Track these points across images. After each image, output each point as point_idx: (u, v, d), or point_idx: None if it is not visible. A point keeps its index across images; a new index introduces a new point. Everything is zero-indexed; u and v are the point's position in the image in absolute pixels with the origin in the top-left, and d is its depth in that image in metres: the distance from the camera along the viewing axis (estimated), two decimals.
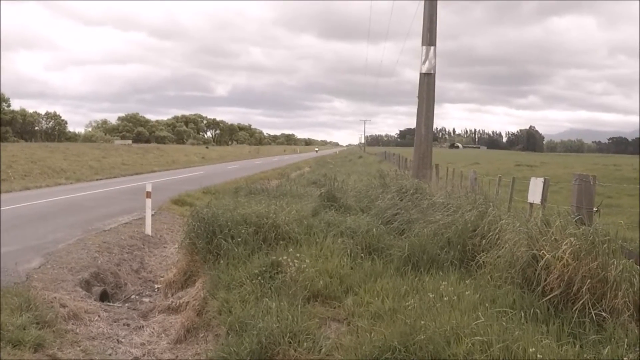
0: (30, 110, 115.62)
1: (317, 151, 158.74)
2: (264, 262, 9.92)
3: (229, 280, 9.80)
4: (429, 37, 21.74)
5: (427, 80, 21.81)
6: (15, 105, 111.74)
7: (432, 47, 21.69)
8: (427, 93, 21.81)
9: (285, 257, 9.71)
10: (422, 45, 21.85)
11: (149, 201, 19.07)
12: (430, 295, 7.81)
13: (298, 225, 12.33)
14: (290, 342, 7.21)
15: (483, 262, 9.15)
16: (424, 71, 21.77)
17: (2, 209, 22.48)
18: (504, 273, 8.38)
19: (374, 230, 11.39)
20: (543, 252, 7.73)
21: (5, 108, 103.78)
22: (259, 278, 9.32)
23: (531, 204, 11.76)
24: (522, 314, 7.08)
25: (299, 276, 9.15)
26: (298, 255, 9.92)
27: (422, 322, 6.77)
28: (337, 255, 10.45)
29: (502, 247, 8.93)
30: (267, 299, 8.44)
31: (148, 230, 18.85)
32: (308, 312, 8.13)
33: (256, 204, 13.79)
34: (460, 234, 10.25)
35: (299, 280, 9.02)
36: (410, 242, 10.40)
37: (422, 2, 22.24)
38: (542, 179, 11.58)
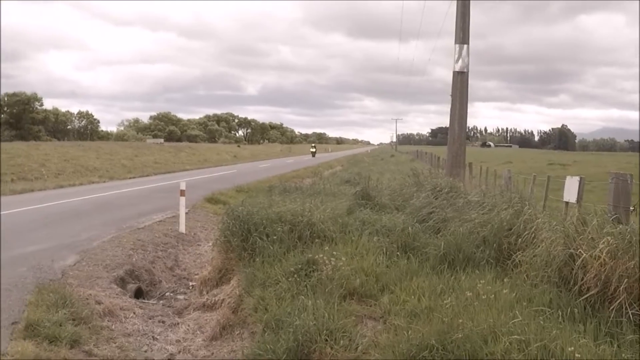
0: (63, 110, 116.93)
1: (313, 151, 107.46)
2: (299, 260, 9.94)
3: (264, 278, 9.84)
4: (462, 35, 21.71)
5: (460, 79, 21.78)
6: (48, 104, 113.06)
7: (465, 46, 21.65)
8: (460, 91, 21.78)
9: (321, 255, 9.72)
10: (455, 43, 21.83)
11: (182, 199, 19.21)
12: (468, 294, 7.79)
13: (333, 223, 12.32)
14: (326, 340, 7.20)
15: (519, 261, 9.11)
16: (457, 69, 21.75)
17: (37, 206, 22.84)
18: (540, 272, 8.33)
19: (410, 228, 11.37)
20: (580, 251, 7.68)
21: (38, 107, 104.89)
22: (295, 276, 9.35)
23: (567, 203, 11.70)
24: (559, 313, 7.03)
25: (335, 274, 9.14)
26: (335, 253, 9.94)
27: (460, 321, 6.77)
28: (372, 253, 10.45)
29: (538, 246, 8.89)
30: (303, 297, 8.46)
31: (182, 228, 18.96)
32: (344, 310, 8.12)
33: (291, 202, 13.80)
34: (496, 232, 10.19)
35: (335, 278, 9.01)
36: (446, 240, 10.36)
37: (455, 0, 22.21)
38: (577, 178, 11.52)
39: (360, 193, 16.14)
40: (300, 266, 9.63)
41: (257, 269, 10.37)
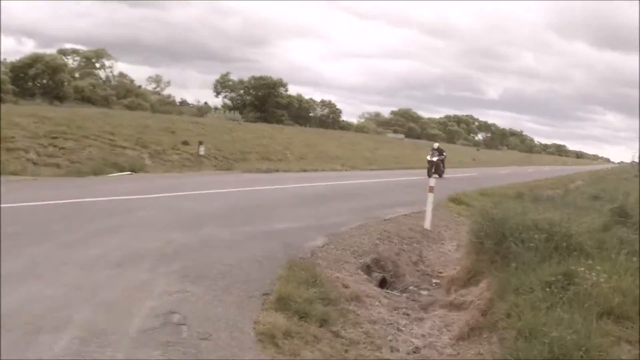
0: (306, 97, 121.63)
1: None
2: (555, 270, 9.65)
3: (517, 285, 9.64)
4: None
5: None
6: (292, 91, 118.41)
7: None
8: None
9: (582, 269, 9.44)
10: None
11: (431, 195, 19.19)
12: None
13: (589, 237, 11.91)
14: (582, 357, 7.04)
15: None
16: None
17: (283, 187, 24.14)
18: None
19: None
20: None
21: (283, 92, 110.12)
22: (552, 287, 9.14)
23: None
24: None
25: (593, 290, 8.88)
26: (598, 268, 9.62)
27: None
28: (630, 274, 10.00)
29: None
30: (559, 309, 8.28)
31: (427, 224, 19.00)
32: (600, 328, 7.88)
33: (544, 211, 13.49)
34: None
35: (593, 295, 8.75)
36: None
37: None
38: None
39: (617, 210, 15.50)
40: (557, 277, 9.39)
41: (511, 274, 10.19)
